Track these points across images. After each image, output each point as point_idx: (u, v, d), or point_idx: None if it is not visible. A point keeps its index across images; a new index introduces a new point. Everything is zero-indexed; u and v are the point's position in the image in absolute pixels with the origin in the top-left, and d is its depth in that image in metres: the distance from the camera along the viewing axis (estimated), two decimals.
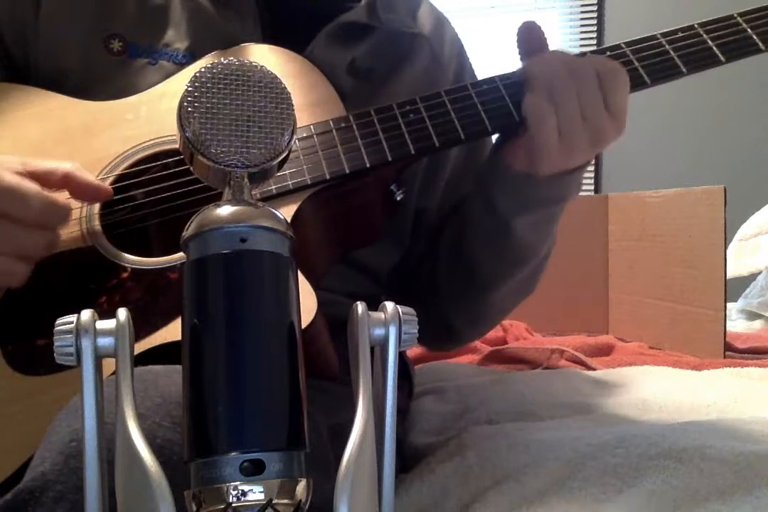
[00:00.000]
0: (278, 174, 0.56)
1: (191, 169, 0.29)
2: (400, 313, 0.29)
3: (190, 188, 0.58)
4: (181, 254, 0.55)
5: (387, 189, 0.64)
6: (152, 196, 0.60)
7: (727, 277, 1.13)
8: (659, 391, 0.82)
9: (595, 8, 2.99)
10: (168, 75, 0.64)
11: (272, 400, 0.25)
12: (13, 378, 0.53)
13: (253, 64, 0.28)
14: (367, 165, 0.59)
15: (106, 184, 0.57)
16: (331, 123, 0.60)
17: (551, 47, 0.63)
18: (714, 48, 0.63)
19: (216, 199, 0.28)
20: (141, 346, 0.50)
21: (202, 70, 0.27)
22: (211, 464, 0.24)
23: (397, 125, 0.60)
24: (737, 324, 1.48)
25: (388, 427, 0.29)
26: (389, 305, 0.29)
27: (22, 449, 0.48)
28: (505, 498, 0.55)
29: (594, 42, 2.99)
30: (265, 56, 0.64)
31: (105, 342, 0.27)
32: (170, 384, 0.42)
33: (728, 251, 1.41)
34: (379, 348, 0.29)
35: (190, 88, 0.27)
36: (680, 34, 0.64)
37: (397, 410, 0.30)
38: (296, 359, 0.26)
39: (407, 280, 0.79)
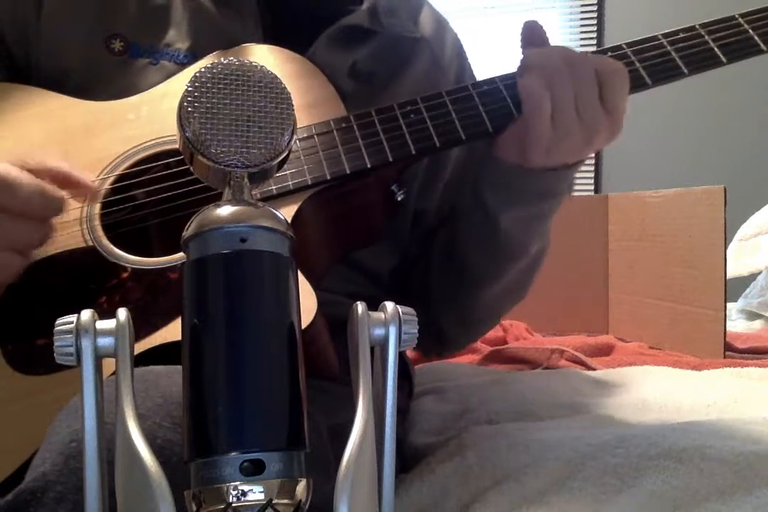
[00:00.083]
0: (279, 174, 0.56)
1: (191, 169, 0.29)
2: (400, 313, 0.29)
3: (190, 188, 0.58)
4: (181, 254, 0.55)
5: (388, 189, 0.64)
6: (153, 196, 0.60)
7: (727, 277, 1.13)
8: (659, 391, 0.82)
9: (595, 8, 3.00)
10: (169, 75, 0.64)
11: (272, 400, 0.25)
12: (13, 377, 0.53)
13: (253, 64, 0.28)
14: (368, 165, 0.59)
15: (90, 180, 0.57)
16: (331, 123, 0.60)
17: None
18: (715, 49, 0.63)
19: (216, 199, 0.28)
20: (141, 346, 0.50)
21: (202, 70, 0.27)
22: (211, 464, 0.24)
23: (397, 125, 0.60)
24: (737, 324, 1.48)
25: (388, 427, 0.29)
26: (389, 305, 0.29)
27: (22, 448, 0.48)
28: (505, 498, 0.55)
29: (594, 42, 2.99)
30: (265, 56, 0.64)
31: (105, 342, 0.27)
32: (171, 384, 0.42)
33: (728, 251, 1.41)
34: (379, 348, 0.29)
35: (190, 88, 0.27)
36: (682, 35, 0.64)
37: (397, 410, 0.30)
38: (296, 359, 0.26)
39: (404, 281, 0.79)
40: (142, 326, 0.52)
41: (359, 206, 0.64)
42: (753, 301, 1.55)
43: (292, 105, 0.28)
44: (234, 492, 0.24)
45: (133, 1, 0.68)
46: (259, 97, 0.27)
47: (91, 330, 0.27)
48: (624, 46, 0.64)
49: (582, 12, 3.03)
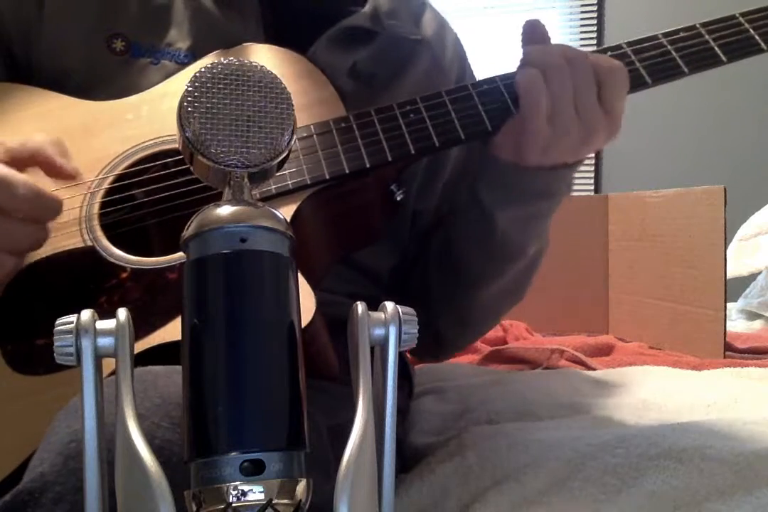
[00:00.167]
0: (278, 174, 0.55)
1: (191, 169, 0.29)
2: (400, 313, 0.29)
3: (189, 188, 0.58)
4: (180, 254, 0.55)
5: (387, 189, 0.64)
6: (152, 196, 0.60)
7: (727, 277, 1.13)
8: (659, 391, 0.82)
9: (595, 8, 3.00)
10: (170, 75, 0.64)
11: (272, 400, 0.25)
12: (13, 377, 0.53)
13: (253, 64, 0.28)
14: (367, 165, 0.59)
15: (72, 166, 0.57)
16: (331, 123, 0.60)
17: None
18: (716, 48, 0.63)
19: (216, 198, 0.28)
20: (139, 346, 0.50)
21: (202, 70, 0.27)
22: (211, 464, 0.24)
23: (397, 125, 0.60)
24: (737, 324, 1.49)
25: (388, 427, 0.29)
26: (389, 305, 0.29)
27: (21, 448, 0.48)
28: (505, 498, 0.55)
29: (594, 42, 2.99)
30: (265, 56, 0.64)
31: (105, 342, 0.27)
32: (170, 384, 0.42)
33: (728, 251, 1.41)
34: (379, 348, 0.29)
35: (190, 88, 0.27)
36: (682, 34, 0.64)
37: (397, 410, 0.30)
38: (296, 359, 0.26)
39: (403, 282, 0.79)
40: (140, 326, 0.52)
41: (358, 206, 0.64)
42: (753, 301, 1.55)
43: (292, 105, 0.28)
44: (234, 492, 0.24)
45: (134, 1, 0.68)
46: (259, 97, 0.27)
47: (91, 330, 0.27)
48: (624, 45, 0.64)
49: (582, 12, 3.03)
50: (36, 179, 0.53)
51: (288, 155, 0.28)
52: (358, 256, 0.69)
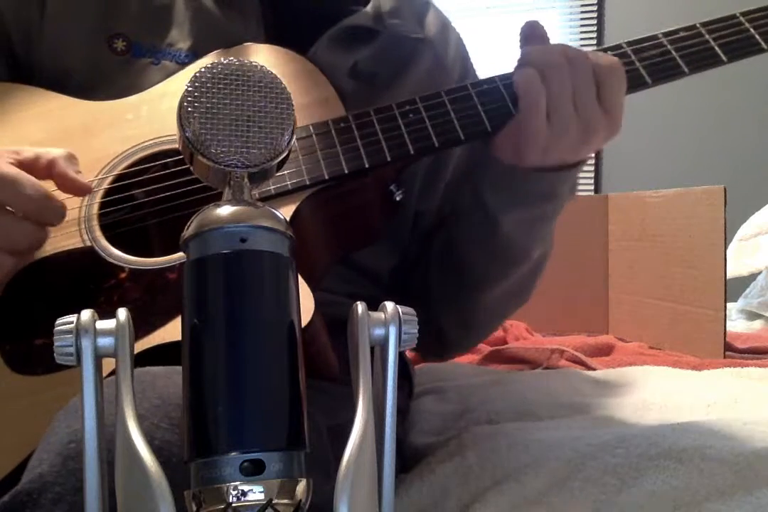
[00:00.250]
0: (277, 174, 0.55)
1: (191, 169, 0.29)
2: (400, 313, 0.29)
3: (189, 188, 0.58)
4: (179, 254, 0.55)
5: (386, 189, 0.64)
6: (151, 196, 0.60)
7: (727, 277, 1.13)
8: (659, 391, 0.82)
9: (595, 8, 3.00)
10: (170, 75, 0.64)
11: (272, 400, 0.25)
12: (12, 377, 0.53)
13: (253, 64, 0.28)
14: (366, 165, 0.59)
15: (86, 181, 0.57)
16: (330, 123, 0.60)
17: None
18: (716, 48, 0.63)
19: (216, 198, 0.28)
20: (139, 346, 0.50)
21: (202, 70, 0.27)
22: (211, 464, 0.24)
23: (396, 125, 0.60)
24: (737, 324, 1.49)
25: (388, 427, 0.29)
26: (389, 305, 0.29)
27: (20, 448, 0.48)
28: (505, 498, 0.55)
29: (594, 42, 2.99)
30: (265, 56, 0.64)
31: (105, 342, 0.27)
32: (169, 385, 0.42)
33: (728, 251, 1.41)
34: (379, 348, 0.29)
35: (190, 88, 0.27)
36: (682, 34, 0.64)
37: (397, 410, 0.30)
38: (296, 359, 0.26)
39: (405, 282, 0.79)
40: (140, 326, 0.52)
41: (358, 206, 0.64)
42: (753, 301, 1.55)
43: (292, 105, 0.28)
44: (234, 492, 0.24)
45: (135, 1, 0.68)
46: (259, 97, 0.27)
47: (91, 330, 0.27)
48: (624, 45, 0.63)
49: (582, 12, 3.03)
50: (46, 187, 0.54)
51: (288, 155, 0.28)
52: (358, 256, 0.68)
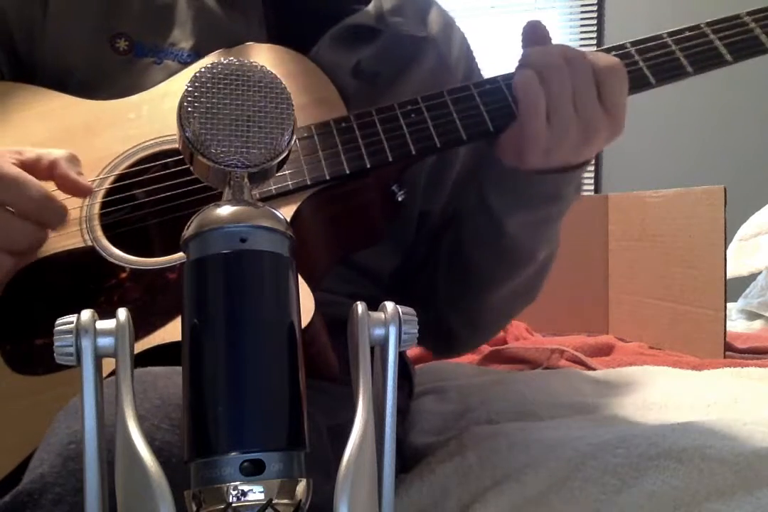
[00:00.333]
0: (278, 174, 0.55)
1: (191, 168, 0.29)
2: (400, 313, 0.29)
3: (190, 188, 0.58)
4: (180, 254, 0.55)
5: (388, 189, 0.64)
6: (152, 196, 0.60)
7: (727, 277, 1.13)
8: (659, 391, 0.82)
9: (595, 8, 3.00)
10: (172, 75, 0.64)
11: (272, 400, 0.25)
12: (12, 377, 0.53)
13: (253, 64, 0.28)
14: (368, 165, 0.59)
15: (87, 182, 0.57)
16: (331, 123, 0.60)
17: None
18: (721, 48, 0.62)
19: (216, 198, 0.28)
20: (139, 346, 0.50)
21: (202, 70, 0.27)
22: (211, 464, 0.24)
23: (398, 125, 0.60)
24: (737, 324, 1.49)
25: (388, 427, 0.29)
26: (389, 305, 0.29)
27: (20, 448, 0.48)
28: (505, 498, 0.55)
29: (594, 42, 2.99)
30: (267, 56, 0.64)
31: (105, 342, 0.27)
32: (169, 385, 0.42)
33: (728, 251, 1.41)
34: (379, 348, 0.29)
35: (190, 88, 0.27)
36: (687, 34, 0.63)
37: (397, 410, 0.30)
38: (296, 359, 0.26)
39: (409, 283, 0.78)
40: (140, 326, 0.52)
41: (359, 206, 0.63)
42: (753, 301, 1.55)
43: (292, 105, 0.28)
44: (234, 492, 0.24)
45: (138, 1, 0.68)
46: (259, 97, 0.27)
47: (91, 330, 0.27)
48: (628, 44, 0.63)
49: (582, 12, 3.03)
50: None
51: (288, 155, 0.28)
52: (360, 256, 0.68)
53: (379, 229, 0.66)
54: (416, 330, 0.29)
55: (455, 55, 0.78)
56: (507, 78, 0.61)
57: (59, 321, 0.27)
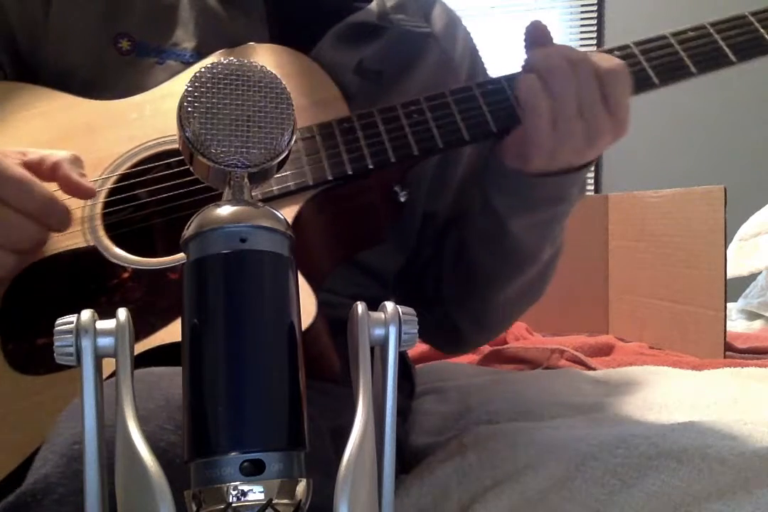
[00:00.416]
0: (280, 174, 0.55)
1: (191, 169, 0.29)
2: (400, 313, 0.29)
3: (192, 188, 0.58)
4: (182, 254, 0.55)
5: (390, 190, 0.64)
6: (154, 196, 0.60)
7: (727, 277, 1.13)
8: (659, 391, 0.82)
9: (595, 8, 3.00)
10: (175, 75, 0.64)
11: (272, 400, 0.25)
12: (14, 377, 0.53)
13: (253, 64, 0.28)
14: (370, 166, 0.59)
15: (89, 184, 0.57)
16: (333, 123, 0.60)
17: None
18: (725, 48, 0.62)
19: (218, 199, 0.28)
20: (141, 347, 0.50)
21: (202, 70, 0.27)
22: (211, 464, 0.24)
23: (400, 126, 0.60)
24: (737, 324, 1.49)
25: (388, 427, 0.29)
26: (389, 305, 0.29)
27: (22, 448, 0.48)
28: (505, 498, 0.55)
29: (594, 42, 2.99)
30: (269, 56, 0.64)
31: (105, 342, 0.27)
32: (173, 386, 0.42)
33: (728, 251, 1.41)
34: (379, 349, 0.29)
35: (190, 88, 0.27)
36: (690, 34, 0.62)
37: (397, 411, 0.30)
38: (296, 359, 0.26)
39: (414, 283, 0.78)
40: (142, 327, 0.52)
41: (361, 207, 0.63)
42: (753, 301, 1.55)
43: (292, 105, 0.28)
44: (234, 492, 0.24)
45: (140, 1, 0.68)
46: (259, 97, 0.27)
47: (91, 330, 0.27)
48: (632, 45, 0.62)
49: (582, 12, 3.03)
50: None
51: (288, 155, 0.28)
52: (364, 257, 0.68)
53: (382, 229, 0.66)
54: (416, 330, 0.29)
55: (459, 52, 0.78)
56: (510, 78, 0.61)
57: (59, 321, 0.27)
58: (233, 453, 0.24)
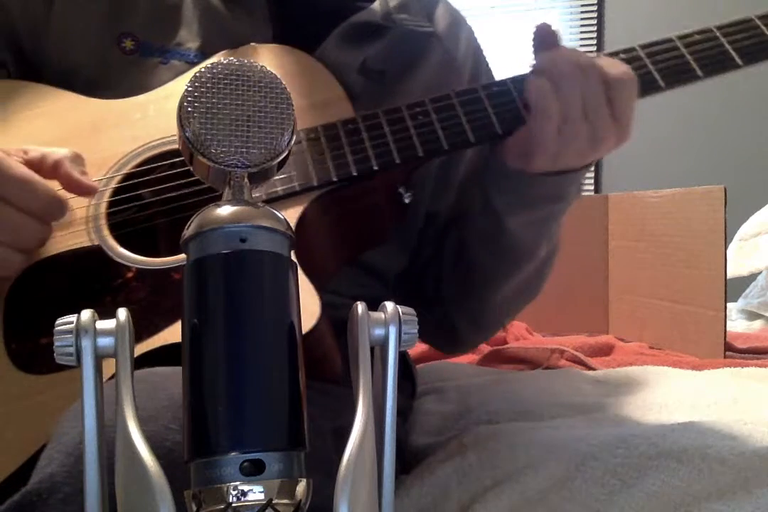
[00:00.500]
0: (285, 175, 0.55)
1: (191, 169, 0.29)
2: (400, 313, 0.29)
3: (196, 188, 0.58)
4: None
5: (395, 191, 0.64)
6: (159, 196, 0.60)
7: (727, 277, 1.13)
8: (659, 391, 0.82)
9: (595, 8, 2.99)
10: (179, 75, 0.64)
11: (272, 400, 0.25)
12: (18, 376, 0.53)
13: (253, 64, 0.28)
14: (375, 167, 0.59)
15: (91, 182, 0.57)
16: (338, 124, 0.60)
17: None
18: (732, 51, 0.61)
19: (221, 198, 0.28)
20: (144, 347, 0.50)
21: (202, 70, 0.27)
22: (211, 464, 0.24)
23: (405, 127, 0.60)
24: (737, 324, 1.49)
25: (388, 427, 0.29)
26: (389, 305, 0.29)
27: (25, 447, 0.48)
28: (505, 498, 0.55)
29: (594, 42, 2.99)
30: (272, 56, 0.64)
31: (105, 342, 0.27)
32: (178, 386, 0.42)
33: (728, 251, 1.41)
34: (379, 348, 0.29)
35: (190, 88, 0.27)
36: (697, 37, 0.62)
37: (397, 411, 0.30)
38: (296, 359, 0.26)
39: (415, 283, 0.79)
40: (146, 327, 0.52)
41: (366, 208, 0.63)
42: (753, 301, 1.55)
43: (292, 105, 0.28)
44: (234, 492, 0.24)
45: (144, 0, 0.68)
46: (259, 97, 0.27)
47: (91, 331, 0.27)
48: (637, 47, 0.62)
49: (582, 12, 3.02)
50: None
51: (288, 155, 0.28)
52: (367, 257, 0.68)
53: (385, 230, 0.66)
54: (416, 330, 0.29)
55: (462, 51, 0.78)
56: (515, 80, 0.61)
57: (59, 321, 0.27)
58: (233, 453, 0.24)
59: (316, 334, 0.49)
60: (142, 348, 0.50)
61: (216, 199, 0.28)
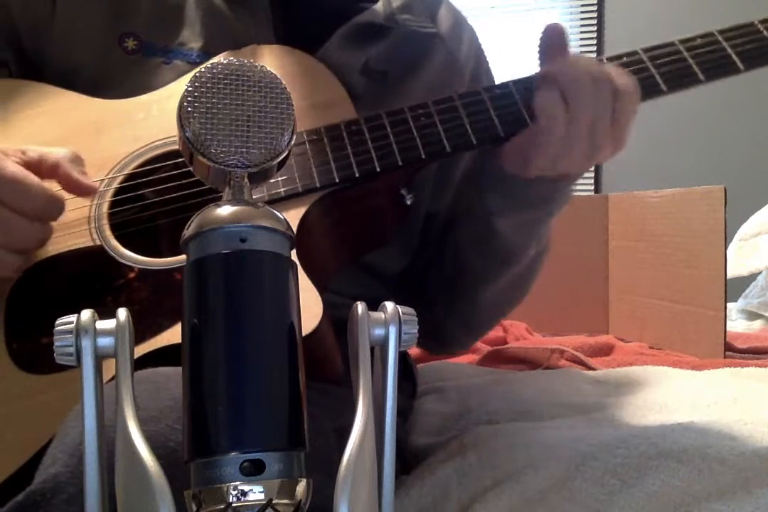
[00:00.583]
0: (287, 176, 0.55)
1: (191, 169, 0.29)
2: (400, 313, 0.29)
3: (198, 188, 0.58)
4: None
5: (397, 193, 0.64)
6: (161, 196, 0.60)
7: (727, 277, 1.13)
8: (659, 391, 0.82)
9: (595, 8, 2.99)
10: (182, 75, 0.64)
11: (272, 400, 0.25)
12: (20, 376, 0.53)
13: (253, 64, 0.28)
14: (377, 169, 0.59)
15: (90, 182, 0.57)
16: (341, 126, 0.60)
17: None
18: (733, 56, 0.62)
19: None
20: (146, 347, 0.50)
21: (202, 70, 0.27)
22: (211, 464, 0.24)
23: (407, 129, 0.60)
24: (737, 324, 1.49)
25: (388, 427, 0.29)
26: (389, 305, 0.29)
27: (26, 447, 0.48)
28: (505, 498, 0.55)
29: (594, 42, 2.99)
30: (275, 56, 0.64)
31: (105, 342, 0.27)
32: (180, 386, 0.42)
33: (728, 251, 1.41)
34: (379, 348, 0.29)
35: (190, 88, 0.27)
36: (699, 41, 0.62)
37: (397, 411, 0.30)
38: (296, 359, 0.26)
39: (415, 283, 0.79)
40: (148, 327, 0.52)
41: (368, 210, 0.63)
42: (753, 301, 1.55)
43: (292, 105, 0.28)
44: (234, 492, 0.24)
45: (146, 0, 0.68)
46: (259, 97, 0.27)
47: (91, 331, 0.27)
48: (640, 51, 0.62)
49: (582, 12, 3.02)
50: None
51: (288, 155, 0.28)
52: (368, 258, 0.68)
53: (387, 232, 0.66)
54: (416, 330, 0.29)
55: (464, 52, 0.78)
56: (517, 83, 0.61)
57: (59, 321, 0.27)
58: (233, 453, 0.24)
59: (318, 335, 0.49)
60: (144, 348, 0.50)
61: (218, 200, 0.28)
